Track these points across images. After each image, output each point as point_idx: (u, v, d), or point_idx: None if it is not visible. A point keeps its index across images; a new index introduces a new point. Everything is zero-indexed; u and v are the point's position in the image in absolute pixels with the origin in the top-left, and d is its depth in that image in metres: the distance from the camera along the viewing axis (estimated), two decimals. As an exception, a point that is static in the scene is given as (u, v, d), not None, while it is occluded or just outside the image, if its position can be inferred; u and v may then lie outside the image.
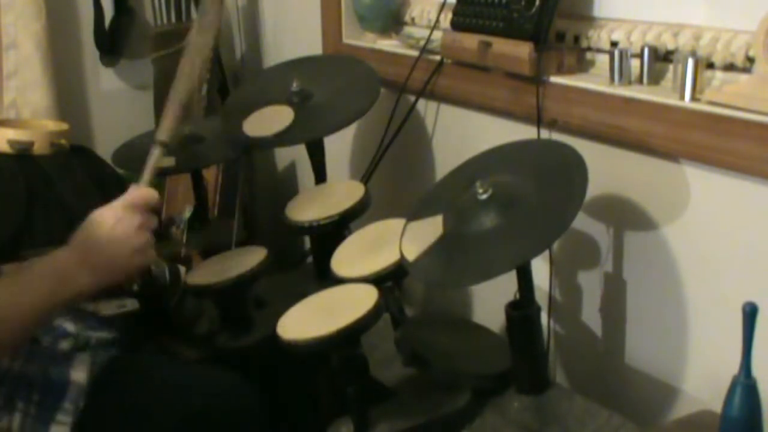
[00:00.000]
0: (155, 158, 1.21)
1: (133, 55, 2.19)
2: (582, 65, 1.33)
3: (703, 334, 1.20)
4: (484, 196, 1.14)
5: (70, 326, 1.28)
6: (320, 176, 1.62)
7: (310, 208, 1.46)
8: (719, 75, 1.14)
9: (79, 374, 1.16)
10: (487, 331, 1.42)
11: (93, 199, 1.80)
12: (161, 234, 1.83)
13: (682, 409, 1.23)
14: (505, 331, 1.24)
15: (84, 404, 1.16)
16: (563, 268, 1.38)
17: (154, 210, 1.15)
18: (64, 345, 1.19)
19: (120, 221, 1.09)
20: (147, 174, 1.20)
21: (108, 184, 1.93)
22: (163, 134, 1.21)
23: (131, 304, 1.52)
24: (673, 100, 1.14)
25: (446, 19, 1.50)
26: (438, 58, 1.52)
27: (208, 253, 1.60)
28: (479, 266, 1.12)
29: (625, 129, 1.21)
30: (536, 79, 1.30)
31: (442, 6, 1.53)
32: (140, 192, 1.15)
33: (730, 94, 1.07)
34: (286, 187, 2.19)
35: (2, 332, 1.02)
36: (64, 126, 1.82)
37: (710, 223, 1.15)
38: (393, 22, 1.74)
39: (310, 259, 1.73)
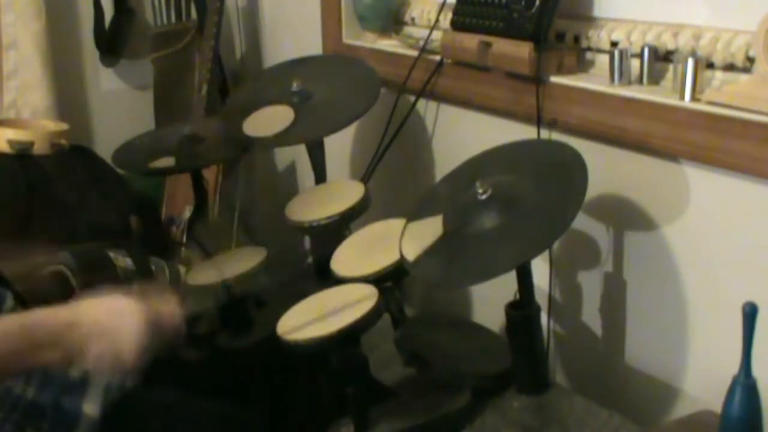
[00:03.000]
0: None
1: (133, 55, 2.19)
2: (582, 65, 1.33)
3: (703, 334, 1.20)
4: (484, 196, 1.14)
5: None
6: (320, 176, 1.62)
7: (310, 208, 1.46)
8: (719, 75, 1.14)
9: (91, 407, 1.15)
10: (487, 331, 1.42)
11: (93, 199, 1.81)
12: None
13: (682, 409, 1.23)
14: (505, 331, 1.24)
15: None
16: (563, 268, 1.38)
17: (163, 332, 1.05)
18: (76, 372, 1.19)
19: (125, 311, 1.02)
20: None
21: (108, 184, 1.94)
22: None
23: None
24: (673, 100, 1.14)
25: (446, 19, 1.50)
26: (438, 58, 1.52)
27: (208, 253, 1.60)
28: (479, 266, 1.12)
29: (625, 129, 1.21)
30: (536, 79, 1.30)
31: (442, 6, 1.53)
32: (173, 316, 1.07)
33: (730, 94, 1.07)
34: (286, 187, 2.19)
35: None
36: (64, 126, 1.82)
37: (710, 223, 1.15)
38: (393, 22, 1.74)
39: (310, 259, 1.73)
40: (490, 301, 1.51)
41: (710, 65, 1.14)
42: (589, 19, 1.32)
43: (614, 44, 1.26)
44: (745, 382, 0.95)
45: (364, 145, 1.81)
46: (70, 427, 1.14)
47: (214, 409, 1.27)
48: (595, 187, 1.14)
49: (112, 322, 1.00)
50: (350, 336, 1.12)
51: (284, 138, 1.52)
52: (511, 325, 1.21)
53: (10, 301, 1.23)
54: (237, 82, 2.22)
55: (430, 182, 1.64)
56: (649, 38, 1.22)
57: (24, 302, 1.26)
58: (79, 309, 1.01)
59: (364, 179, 1.66)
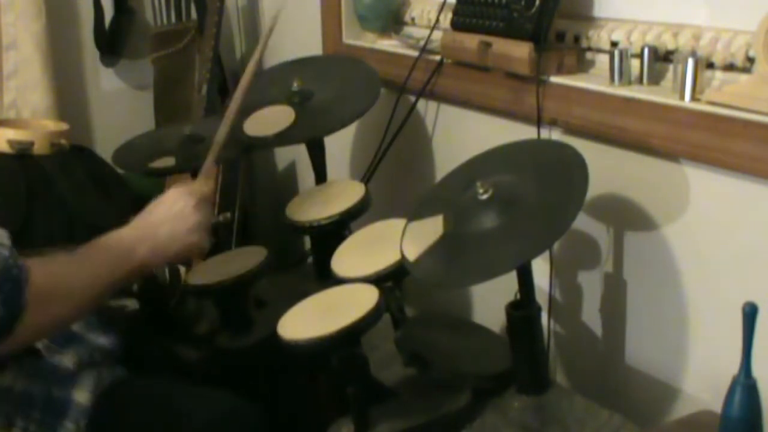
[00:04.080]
0: (217, 149, 1.35)
1: (133, 55, 2.19)
2: (582, 65, 1.33)
3: (703, 334, 1.20)
4: (485, 196, 1.14)
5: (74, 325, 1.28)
6: (320, 176, 1.62)
7: (310, 208, 1.46)
8: (719, 75, 1.14)
9: (82, 394, 1.16)
10: (487, 331, 1.42)
11: (93, 199, 1.81)
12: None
13: (682, 409, 1.23)
14: (505, 331, 1.24)
15: (85, 424, 1.15)
16: (563, 268, 1.38)
17: (209, 201, 1.27)
18: (69, 363, 1.19)
19: (176, 202, 1.22)
20: (209, 160, 1.34)
21: (108, 184, 1.93)
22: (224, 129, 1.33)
23: (131, 304, 1.53)
24: (673, 100, 1.14)
25: (446, 19, 1.50)
26: (438, 58, 1.52)
27: (208, 253, 1.59)
28: (479, 266, 1.12)
29: (625, 129, 1.21)
30: (536, 79, 1.30)
31: (442, 6, 1.53)
32: (198, 185, 1.30)
33: (730, 94, 1.07)
34: (286, 187, 2.19)
35: (66, 304, 1.04)
36: (64, 126, 1.82)
37: (710, 223, 1.15)
38: (393, 22, 1.74)
39: (310, 259, 1.73)
40: (490, 301, 1.51)
41: (710, 65, 1.14)
42: (589, 19, 1.32)
43: (614, 44, 1.26)
44: (745, 382, 0.95)
45: (364, 145, 1.81)
46: (61, 415, 1.13)
47: (209, 398, 1.27)
48: (595, 187, 1.14)
49: (170, 218, 1.20)
50: (350, 336, 1.12)
51: (284, 138, 1.52)
52: (511, 325, 1.21)
53: None
54: (237, 82, 2.22)
55: (430, 182, 1.64)
56: (649, 38, 1.22)
57: None
58: (138, 226, 1.20)
59: (364, 179, 1.66)
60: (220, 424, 1.24)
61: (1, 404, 1.12)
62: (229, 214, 1.53)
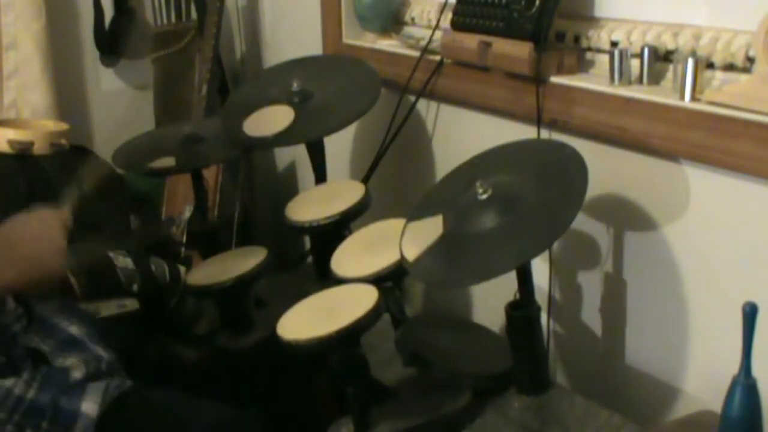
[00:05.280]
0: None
1: (133, 55, 2.19)
2: (582, 65, 1.33)
3: (703, 334, 1.20)
4: (484, 196, 1.14)
5: (74, 329, 1.28)
6: (320, 176, 1.62)
7: (310, 208, 1.46)
8: (719, 75, 1.14)
9: (89, 405, 1.16)
10: (487, 331, 1.42)
11: (93, 200, 1.81)
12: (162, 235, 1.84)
13: (682, 409, 1.23)
14: (505, 331, 1.24)
15: None
16: (563, 268, 1.38)
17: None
18: (77, 374, 1.19)
19: (45, 224, 1.19)
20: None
21: (108, 184, 1.93)
22: None
23: (131, 304, 1.53)
24: (673, 100, 1.14)
25: (446, 19, 1.50)
26: (438, 58, 1.52)
27: (208, 253, 1.60)
28: (479, 266, 1.12)
29: (625, 129, 1.21)
30: (536, 79, 1.30)
31: (443, 6, 1.53)
32: (64, 213, 1.27)
33: (730, 94, 1.07)
34: (286, 187, 2.19)
35: None
36: (64, 126, 1.82)
37: (710, 223, 1.15)
38: (393, 22, 1.74)
39: (310, 259, 1.73)
40: (490, 301, 1.51)
41: (710, 65, 1.14)
42: (589, 19, 1.32)
43: (614, 44, 1.26)
44: (745, 382, 0.95)
45: (364, 145, 1.81)
46: (69, 427, 1.14)
47: (212, 410, 1.27)
48: (595, 187, 1.14)
49: (39, 238, 1.17)
50: (350, 336, 1.12)
51: (284, 138, 1.52)
52: (511, 325, 1.21)
53: (11, 302, 1.23)
54: (237, 82, 2.22)
55: (430, 182, 1.64)
56: (649, 38, 1.22)
57: (25, 303, 1.26)
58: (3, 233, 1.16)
59: (364, 179, 1.66)
60: None
61: (14, 415, 1.12)
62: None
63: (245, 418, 1.27)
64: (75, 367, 1.20)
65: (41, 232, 1.18)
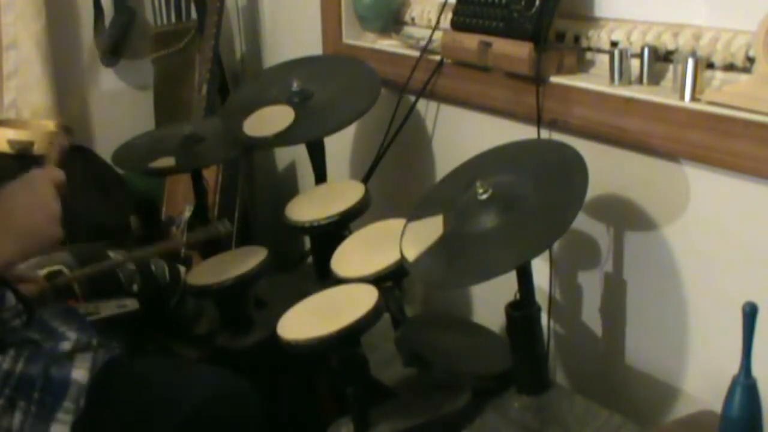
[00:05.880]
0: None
1: (133, 55, 2.19)
2: (582, 65, 1.33)
3: (703, 334, 1.20)
4: (485, 197, 1.14)
5: (72, 335, 1.28)
6: (320, 176, 1.62)
7: (310, 208, 1.46)
8: (719, 75, 1.14)
9: (79, 373, 1.16)
10: (487, 331, 1.42)
11: (93, 199, 1.81)
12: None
13: (682, 409, 1.23)
14: (505, 331, 1.24)
15: (84, 403, 1.16)
16: (563, 268, 1.38)
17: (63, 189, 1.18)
18: (66, 346, 1.19)
19: (35, 192, 1.12)
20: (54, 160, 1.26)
21: (108, 184, 1.94)
22: None
23: (131, 304, 1.52)
24: (673, 100, 1.14)
25: (446, 19, 1.50)
26: (438, 58, 1.52)
27: (208, 253, 1.60)
28: (479, 266, 1.12)
29: (625, 129, 1.21)
30: (536, 79, 1.30)
31: (443, 6, 1.53)
32: (57, 171, 1.19)
33: (730, 94, 1.07)
34: (286, 187, 2.19)
35: None
36: (64, 126, 1.82)
37: (710, 223, 1.15)
38: (393, 22, 1.74)
39: (310, 259, 1.73)
40: (490, 301, 1.51)
41: (710, 65, 1.14)
42: (589, 19, 1.32)
43: (614, 44, 1.26)
44: (745, 382, 0.95)
45: (364, 145, 1.81)
46: (60, 395, 1.14)
47: (206, 374, 1.27)
48: (595, 187, 1.14)
49: (33, 206, 1.11)
50: (350, 336, 1.12)
51: (284, 138, 1.52)
52: (511, 325, 1.21)
53: (11, 298, 1.23)
54: (237, 82, 2.22)
55: (430, 182, 1.64)
56: (649, 38, 1.22)
57: (25, 301, 1.26)
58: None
59: (364, 179, 1.66)
60: (219, 400, 1.24)
61: (4, 388, 1.12)
62: (228, 223, 1.51)
63: (239, 386, 1.27)
64: (66, 340, 1.20)
65: (34, 201, 1.12)
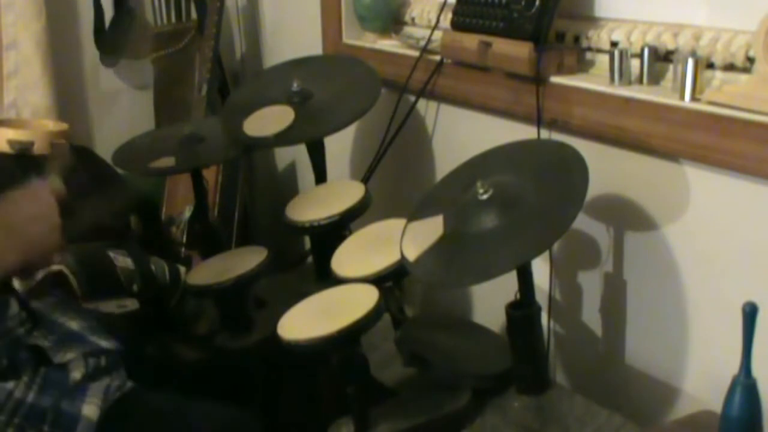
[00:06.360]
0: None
1: (133, 55, 2.19)
2: (582, 65, 1.33)
3: (703, 334, 1.20)
4: (485, 197, 1.14)
5: (74, 324, 1.28)
6: (320, 176, 1.62)
7: (310, 208, 1.46)
8: (719, 75, 1.14)
9: (90, 408, 1.16)
10: (487, 331, 1.42)
11: (93, 199, 1.81)
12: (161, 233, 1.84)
13: (682, 409, 1.23)
14: (505, 331, 1.24)
15: None
16: (563, 268, 1.38)
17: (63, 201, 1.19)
18: (76, 374, 1.19)
19: (36, 202, 1.14)
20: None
21: (108, 184, 1.93)
22: None
23: (131, 304, 1.53)
24: (673, 100, 1.14)
25: (446, 19, 1.50)
26: (438, 58, 1.52)
27: (208, 253, 1.60)
28: (479, 266, 1.12)
29: (625, 129, 1.21)
30: (536, 79, 1.30)
31: (443, 6, 1.53)
32: (58, 184, 1.20)
33: (730, 94, 1.07)
34: (286, 187, 2.19)
35: None
36: (64, 126, 1.82)
37: (710, 223, 1.15)
38: (393, 22, 1.74)
39: (310, 259, 1.73)
40: (490, 301, 1.51)
41: (710, 65, 1.14)
42: (589, 19, 1.32)
43: (614, 44, 1.26)
44: (745, 382, 0.95)
45: (364, 145, 1.81)
46: (69, 430, 1.14)
47: (213, 412, 1.27)
48: (595, 187, 1.14)
49: (37, 217, 1.12)
50: (350, 336, 1.12)
51: (284, 138, 1.52)
52: (511, 325, 1.21)
53: (15, 306, 1.23)
54: (237, 82, 2.22)
55: (430, 182, 1.64)
56: (649, 38, 1.22)
57: (26, 305, 1.26)
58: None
59: (364, 179, 1.66)
60: None
61: (14, 417, 1.12)
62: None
63: (247, 420, 1.27)
64: (75, 366, 1.20)
65: (36, 211, 1.13)
